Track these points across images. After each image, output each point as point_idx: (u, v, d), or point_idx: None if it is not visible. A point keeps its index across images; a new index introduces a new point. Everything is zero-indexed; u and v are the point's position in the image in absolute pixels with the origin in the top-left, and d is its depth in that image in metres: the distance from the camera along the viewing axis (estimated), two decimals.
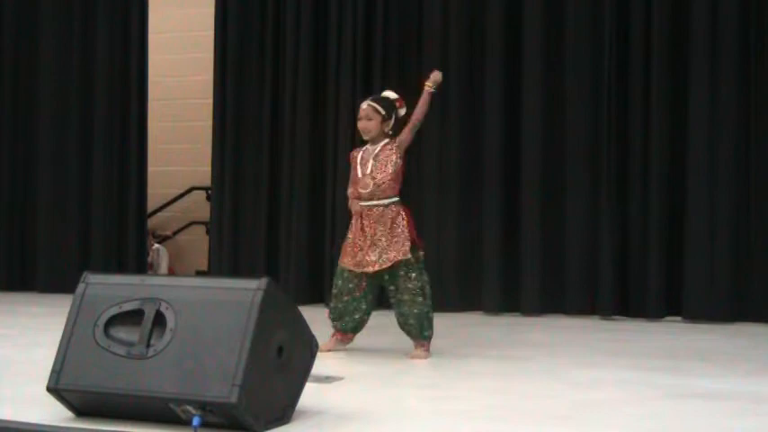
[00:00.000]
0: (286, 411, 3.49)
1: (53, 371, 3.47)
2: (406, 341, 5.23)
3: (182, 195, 11.02)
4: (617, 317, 7.14)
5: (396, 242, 5.05)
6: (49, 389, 3.47)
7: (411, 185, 7.69)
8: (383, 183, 5.12)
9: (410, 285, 5.08)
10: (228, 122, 8.32)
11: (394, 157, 5.16)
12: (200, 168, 9.64)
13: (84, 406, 3.50)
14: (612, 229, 7.20)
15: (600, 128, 7.28)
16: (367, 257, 5.08)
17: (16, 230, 9.03)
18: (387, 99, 5.25)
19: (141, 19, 8.82)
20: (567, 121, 7.40)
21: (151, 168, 9.15)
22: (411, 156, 7.73)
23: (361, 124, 5.24)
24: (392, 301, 5.17)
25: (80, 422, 3.43)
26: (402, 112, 5.26)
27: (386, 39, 7.88)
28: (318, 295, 7.68)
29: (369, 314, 5.28)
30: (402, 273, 5.07)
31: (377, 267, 5.06)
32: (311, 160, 8.02)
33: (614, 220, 7.21)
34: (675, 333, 6.51)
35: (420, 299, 5.09)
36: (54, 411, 3.52)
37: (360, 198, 5.16)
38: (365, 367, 4.90)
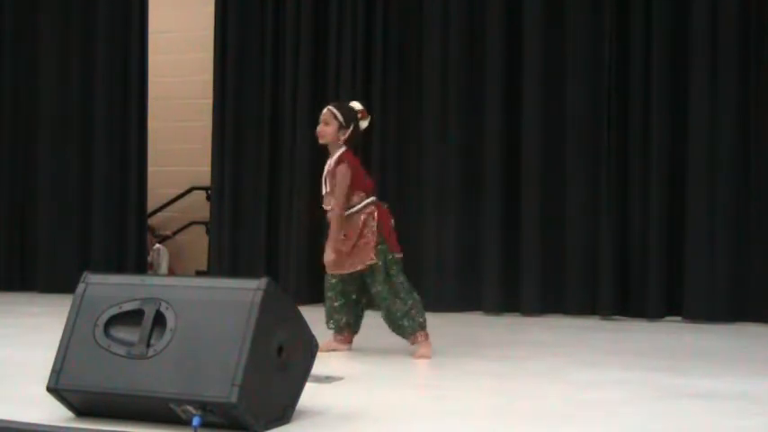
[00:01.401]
0: (286, 411, 3.49)
1: (53, 371, 3.47)
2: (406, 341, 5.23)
3: (182, 195, 11.00)
4: (617, 317, 7.14)
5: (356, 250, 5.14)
6: (49, 389, 3.48)
7: (411, 185, 7.74)
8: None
9: (378, 289, 5.13)
10: (228, 122, 8.32)
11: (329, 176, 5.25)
12: (201, 168, 9.63)
13: (84, 406, 3.50)
14: (613, 229, 7.19)
15: (600, 128, 7.27)
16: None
17: (16, 230, 9.02)
18: (349, 107, 5.30)
19: (141, 19, 8.81)
20: (567, 122, 7.39)
21: (151, 168, 9.14)
22: (411, 156, 7.82)
23: (318, 128, 5.29)
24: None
25: (80, 422, 3.43)
26: (364, 124, 5.30)
27: (386, 39, 7.88)
28: (318, 295, 7.66)
29: (359, 314, 5.34)
30: (368, 280, 5.15)
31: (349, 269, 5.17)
32: (311, 160, 8.00)
33: (614, 220, 7.21)
34: (675, 333, 6.51)
35: (391, 302, 5.12)
36: (54, 411, 3.52)
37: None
38: (365, 367, 4.90)
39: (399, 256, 5.20)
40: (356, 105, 5.31)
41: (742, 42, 7.03)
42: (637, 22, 7.22)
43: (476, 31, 7.67)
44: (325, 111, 5.28)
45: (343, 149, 5.21)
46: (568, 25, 7.41)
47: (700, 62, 7.05)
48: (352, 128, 5.22)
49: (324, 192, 5.28)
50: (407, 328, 5.14)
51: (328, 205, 5.25)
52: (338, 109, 5.27)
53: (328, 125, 5.22)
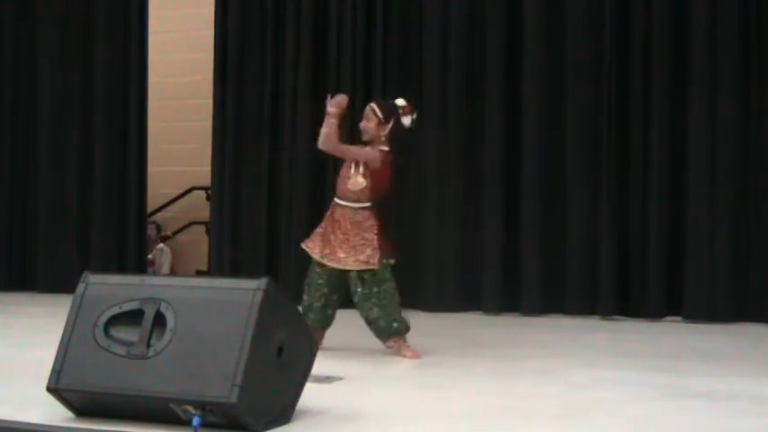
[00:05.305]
0: (286, 411, 3.49)
1: (53, 371, 3.47)
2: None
3: (182, 195, 11.01)
4: (617, 317, 7.14)
5: (363, 247, 5.07)
6: (48, 389, 3.48)
7: (411, 185, 7.73)
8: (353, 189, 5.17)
9: (374, 290, 5.08)
10: (228, 122, 8.32)
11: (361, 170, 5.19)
12: (201, 168, 9.63)
13: (84, 406, 3.50)
14: (612, 229, 7.19)
15: (600, 128, 7.27)
16: (337, 253, 5.10)
17: (16, 230, 9.02)
18: (390, 104, 5.28)
19: (141, 19, 8.81)
20: (568, 122, 7.39)
21: (151, 168, 9.14)
22: (411, 155, 7.81)
23: (360, 124, 5.29)
24: (355, 301, 5.15)
25: (80, 422, 3.44)
26: (406, 121, 5.23)
27: (386, 39, 7.88)
28: None
29: (335, 310, 5.27)
30: (367, 278, 5.08)
31: (346, 266, 5.09)
32: (311, 160, 8.00)
33: (614, 220, 7.21)
34: (675, 333, 6.51)
35: (381, 304, 5.09)
36: (54, 411, 3.52)
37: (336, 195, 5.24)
38: (365, 367, 4.90)
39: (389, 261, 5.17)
40: (399, 102, 5.28)
41: (742, 43, 7.03)
42: (637, 23, 7.22)
43: (476, 31, 7.68)
44: (366, 107, 5.30)
45: (386, 150, 5.20)
46: (569, 26, 7.41)
47: (700, 63, 7.05)
48: (392, 124, 5.20)
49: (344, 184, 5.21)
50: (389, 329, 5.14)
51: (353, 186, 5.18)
52: (378, 105, 5.28)
53: (369, 121, 5.23)
